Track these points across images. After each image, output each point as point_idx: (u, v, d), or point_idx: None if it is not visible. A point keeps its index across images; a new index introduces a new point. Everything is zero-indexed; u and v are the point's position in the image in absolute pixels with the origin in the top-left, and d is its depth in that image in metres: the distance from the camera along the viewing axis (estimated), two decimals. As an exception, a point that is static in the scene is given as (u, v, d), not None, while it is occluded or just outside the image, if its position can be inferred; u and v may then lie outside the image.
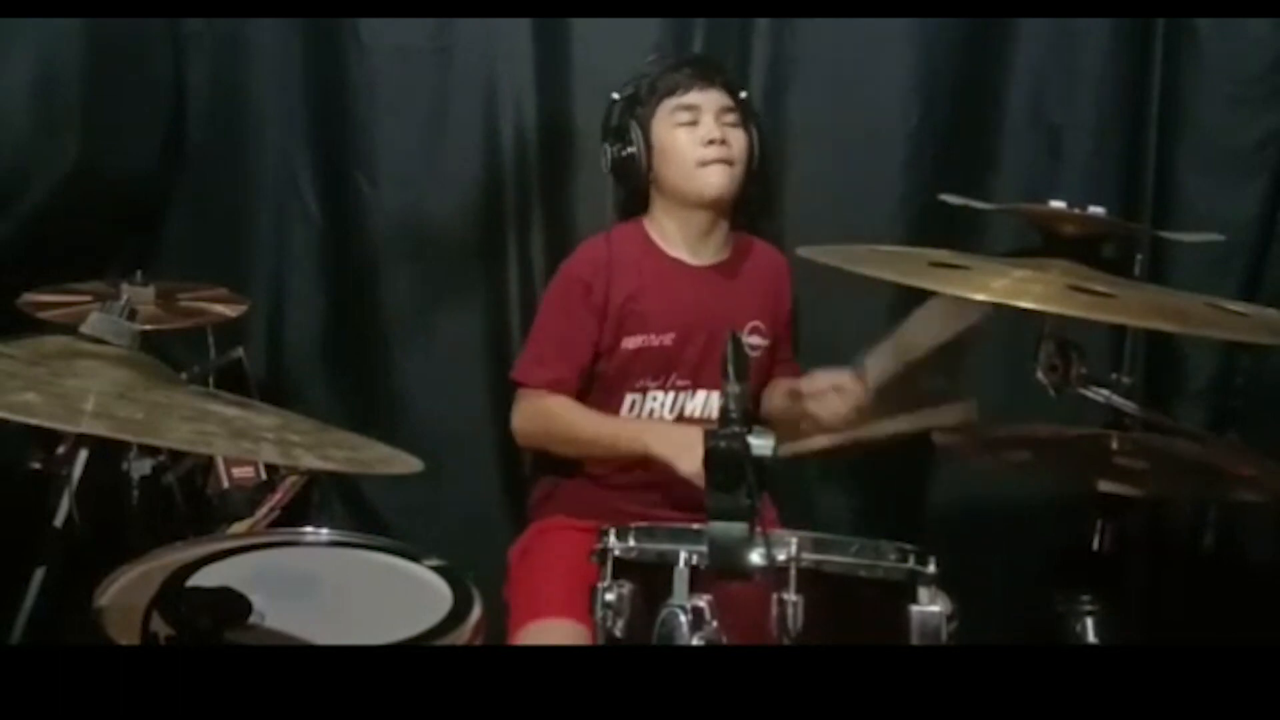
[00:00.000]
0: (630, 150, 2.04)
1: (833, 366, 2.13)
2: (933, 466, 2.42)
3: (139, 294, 2.09)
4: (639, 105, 2.05)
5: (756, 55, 2.33)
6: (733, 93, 2.06)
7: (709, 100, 2.03)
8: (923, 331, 1.80)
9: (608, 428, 2.01)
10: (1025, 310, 1.34)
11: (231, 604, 1.34)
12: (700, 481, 1.73)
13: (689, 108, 2.02)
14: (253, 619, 1.39)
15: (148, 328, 1.83)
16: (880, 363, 1.85)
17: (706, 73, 2.07)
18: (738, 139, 2.04)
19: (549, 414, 2.03)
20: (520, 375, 2.07)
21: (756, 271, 2.14)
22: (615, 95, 2.09)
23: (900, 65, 2.34)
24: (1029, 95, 2.36)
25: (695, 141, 2.01)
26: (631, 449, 1.95)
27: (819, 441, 1.95)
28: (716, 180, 2.01)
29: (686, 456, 1.80)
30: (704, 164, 2.01)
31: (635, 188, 2.09)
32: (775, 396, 2.14)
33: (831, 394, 1.94)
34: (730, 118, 2.04)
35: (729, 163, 2.02)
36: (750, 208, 2.13)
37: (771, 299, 2.15)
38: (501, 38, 2.38)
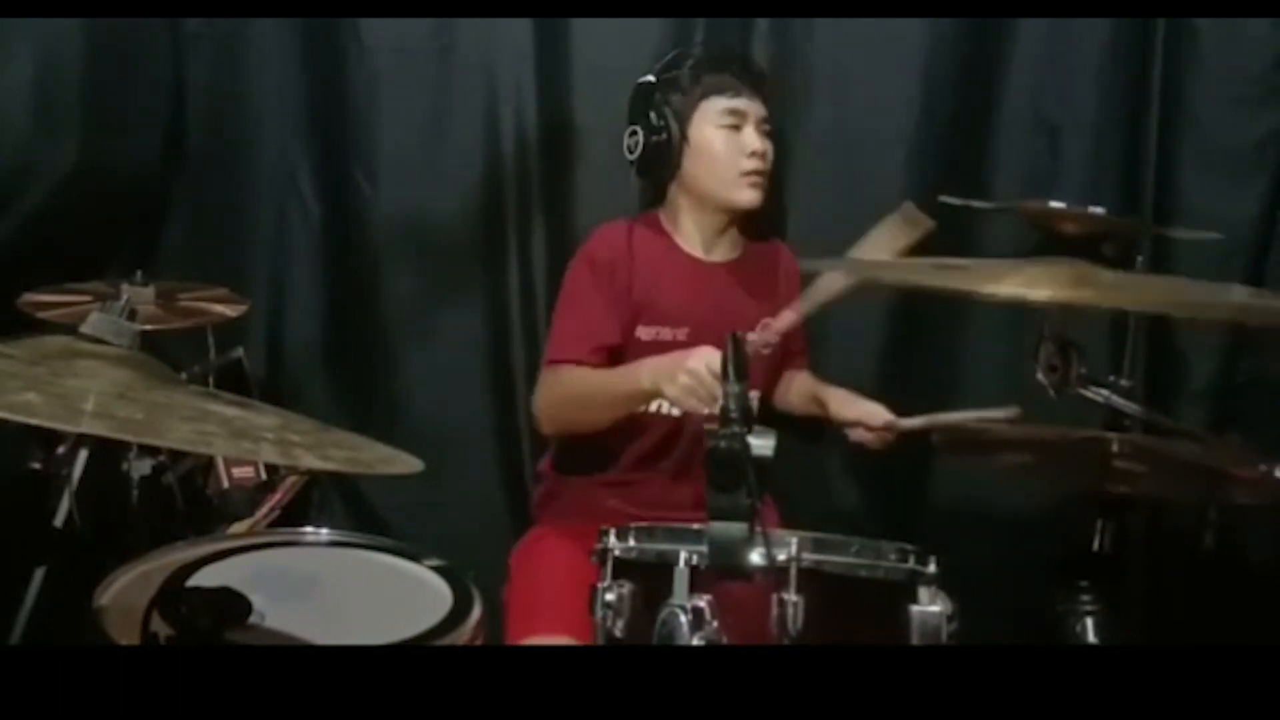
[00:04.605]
0: (662, 139, 1.99)
1: (830, 358, 2.16)
2: (933, 466, 2.42)
3: (139, 294, 2.09)
4: (677, 93, 2.00)
5: (756, 55, 2.32)
6: (765, 103, 2.05)
7: (754, 108, 2.01)
8: (961, 418, 1.89)
9: (610, 377, 1.94)
10: (1027, 311, 1.34)
11: (231, 604, 1.34)
12: (684, 403, 1.75)
13: (736, 113, 2.00)
14: (253, 619, 1.39)
15: (148, 328, 1.84)
16: (915, 422, 1.93)
17: (754, 79, 2.04)
18: (770, 149, 2.03)
19: (566, 381, 1.97)
20: (557, 354, 2.00)
21: (767, 269, 2.14)
22: (651, 77, 2.04)
23: (900, 65, 2.34)
24: (1029, 95, 2.36)
25: (738, 150, 1.99)
26: (631, 390, 1.88)
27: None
28: (752, 191, 2.01)
29: (667, 381, 1.76)
30: (745, 174, 2.00)
31: (655, 178, 2.06)
32: (794, 395, 2.16)
33: (860, 429, 1.99)
34: (766, 128, 2.03)
35: (763, 174, 2.02)
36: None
37: (781, 293, 2.15)
38: (501, 38, 2.38)
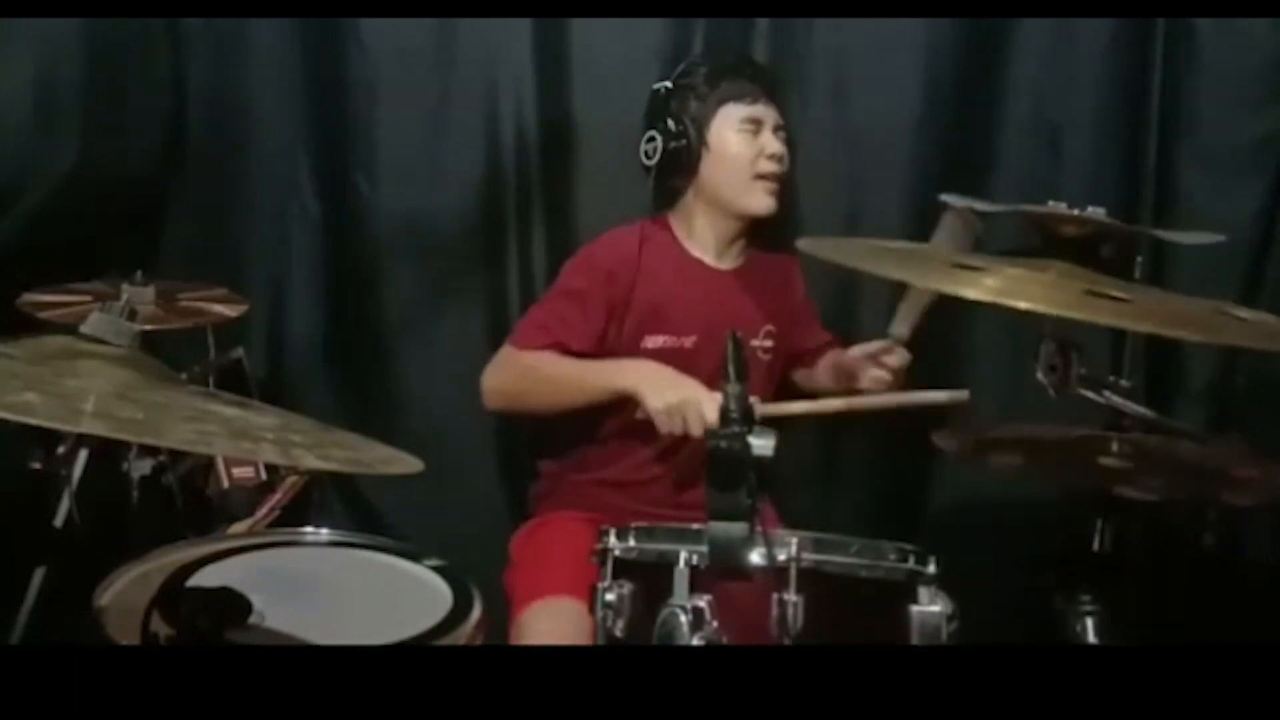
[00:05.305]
0: (681, 144, 1.99)
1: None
2: (933, 466, 2.42)
3: (139, 294, 2.09)
4: (695, 99, 2.00)
5: (757, 56, 2.33)
6: (782, 111, 2.05)
7: (771, 114, 2.02)
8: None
9: (582, 371, 1.95)
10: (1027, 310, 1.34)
11: (231, 604, 1.35)
12: (660, 420, 1.80)
13: (753, 120, 2.00)
14: (253, 619, 1.39)
15: (148, 328, 1.83)
16: (904, 319, 1.95)
17: (770, 86, 2.05)
18: (786, 157, 2.03)
19: (526, 365, 1.98)
20: (517, 338, 2.01)
21: (770, 274, 2.14)
22: (669, 84, 2.04)
23: (901, 66, 2.34)
24: (1029, 95, 2.36)
25: (755, 152, 1.99)
26: (603, 389, 1.91)
27: (797, 407, 1.97)
28: (767, 198, 2.01)
29: (655, 392, 1.81)
30: (761, 176, 2.00)
31: (672, 183, 2.05)
32: (821, 375, 2.16)
33: (870, 365, 1.99)
34: (782, 134, 2.03)
35: (780, 178, 2.01)
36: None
37: (784, 299, 2.15)
38: (501, 38, 2.38)
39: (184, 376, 1.58)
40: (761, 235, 2.13)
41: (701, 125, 1.99)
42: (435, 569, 1.66)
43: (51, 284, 2.08)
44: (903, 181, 2.36)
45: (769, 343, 2.11)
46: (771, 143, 2.00)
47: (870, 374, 2.00)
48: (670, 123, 2.00)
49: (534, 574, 1.94)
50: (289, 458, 1.19)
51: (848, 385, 2.06)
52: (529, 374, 1.99)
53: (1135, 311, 1.37)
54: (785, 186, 2.06)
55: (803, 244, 1.73)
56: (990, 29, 2.33)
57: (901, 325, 1.96)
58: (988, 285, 1.38)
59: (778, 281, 2.15)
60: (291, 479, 2.34)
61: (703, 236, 2.07)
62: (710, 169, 2.01)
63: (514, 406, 2.09)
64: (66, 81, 2.18)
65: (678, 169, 2.01)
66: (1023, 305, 1.32)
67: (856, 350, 2.05)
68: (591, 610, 1.49)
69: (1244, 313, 1.48)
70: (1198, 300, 1.53)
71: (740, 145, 2.00)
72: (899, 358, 1.98)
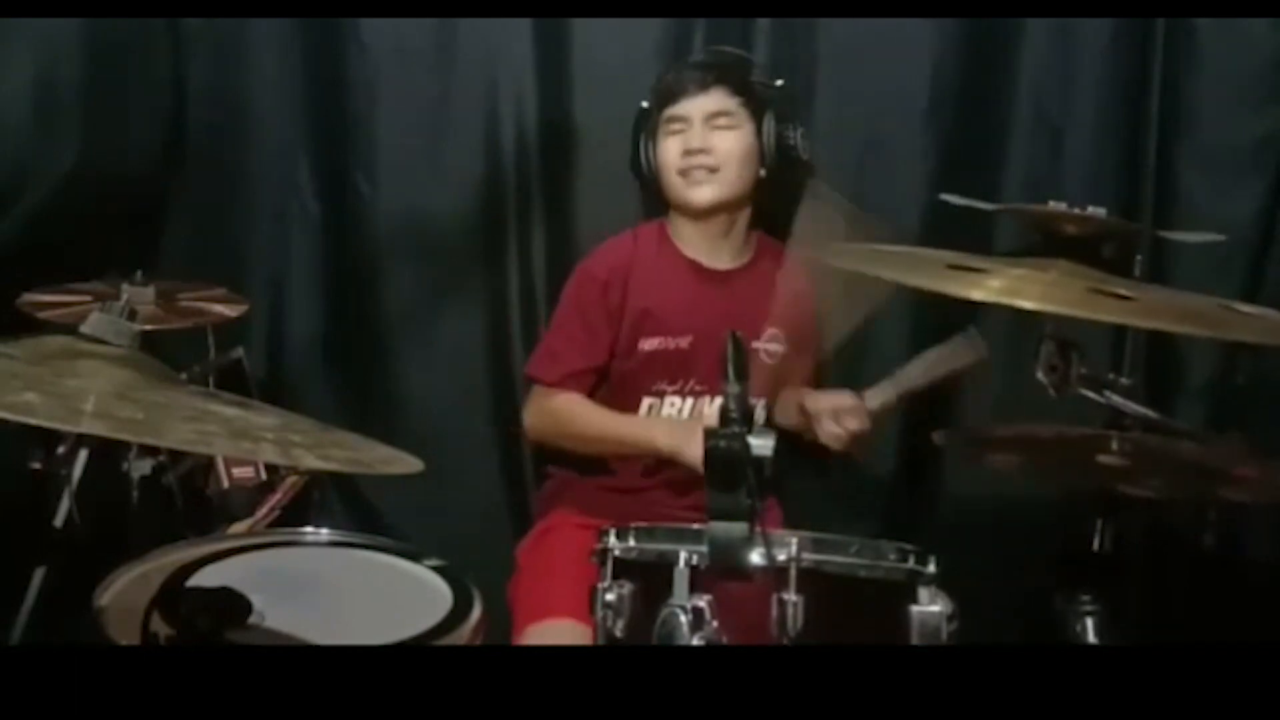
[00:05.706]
0: (636, 165, 2.05)
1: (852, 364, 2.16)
2: (933, 466, 2.42)
3: (139, 294, 2.09)
4: (650, 115, 2.05)
5: (757, 56, 2.32)
6: (737, 91, 2.02)
7: (696, 107, 2.00)
8: (923, 371, 1.89)
9: (617, 425, 2.01)
10: (1026, 310, 1.34)
11: (231, 604, 1.34)
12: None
13: (678, 118, 2.01)
14: (253, 619, 1.39)
15: (148, 328, 1.83)
16: (880, 394, 1.92)
17: (702, 78, 2.03)
18: (726, 142, 2.00)
19: (560, 412, 2.03)
20: (534, 371, 2.08)
21: (777, 275, 2.12)
22: (644, 104, 2.08)
23: (902, 66, 2.34)
24: (1030, 96, 2.36)
25: (679, 150, 2.01)
26: (640, 446, 1.97)
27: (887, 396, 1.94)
28: (698, 190, 2.00)
29: (693, 446, 1.81)
30: (682, 174, 2.00)
31: (652, 194, 2.10)
32: (789, 410, 2.10)
33: (829, 419, 1.95)
34: (722, 121, 2.00)
35: (712, 169, 2.00)
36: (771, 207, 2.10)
37: (792, 304, 2.13)
38: (501, 38, 2.38)
39: (184, 376, 1.59)
40: (770, 236, 2.13)
41: (651, 137, 2.04)
42: (435, 569, 1.66)
43: (51, 284, 2.08)
44: (905, 182, 2.36)
45: (774, 345, 2.08)
46: (693, 138, 2.00)
47: (827, 429, 1.95)
48: (634, 142, 2.06)
49: (538, 591, 1.95)
50: (289, 458, 1.19)
51: (802, 428, 2.02)
52: (561, 426, 2.05)
53: (1139, 308, 1.37)
54: (749, 166, 2.01)
55: (796, 251, 1.72)
56: (991, 30, 2.33)
57: (879, 397, 1.92)
58: (992, 286, 1.38)
59: (790, 287, 2.13)
60: (291, 479, 2.34)
61: (691, 237, 2.08)
62: (659, 175, 2.05)
63: (554, 446, 2.14)
64: (66, 81, 2.19)
65: (644, 182, 2.07)
66: (1028, 305, 1.33)
67: (823, 402, 1.98)
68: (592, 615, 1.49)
69: (1247, 308, 1.49)
70: (1201, 296, 1.53)
71: (669, 148, 2.02)
72: (859, 422, 1.92)
